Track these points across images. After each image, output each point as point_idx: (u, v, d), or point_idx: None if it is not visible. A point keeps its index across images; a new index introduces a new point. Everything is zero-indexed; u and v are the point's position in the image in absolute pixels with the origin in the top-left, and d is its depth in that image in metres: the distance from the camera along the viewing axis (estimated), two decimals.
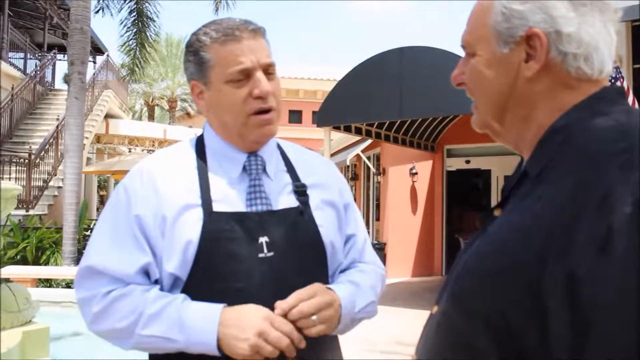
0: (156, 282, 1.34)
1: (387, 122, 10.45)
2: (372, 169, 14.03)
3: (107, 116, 18.77)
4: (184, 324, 1.23)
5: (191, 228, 1.30)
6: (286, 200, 1.40)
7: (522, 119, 0.91)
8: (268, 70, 1.37)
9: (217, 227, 1.30)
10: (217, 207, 1.33)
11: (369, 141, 12.84)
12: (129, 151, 19.45)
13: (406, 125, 11.17)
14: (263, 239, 1.32)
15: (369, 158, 14.12)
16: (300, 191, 1.42)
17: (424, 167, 12.78)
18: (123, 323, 1.27)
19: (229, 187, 1.37)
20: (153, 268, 1.32)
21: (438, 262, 12.81)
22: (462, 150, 12.52)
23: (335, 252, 1.44)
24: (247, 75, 1.33)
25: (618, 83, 6.60)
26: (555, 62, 0.86)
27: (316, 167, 1.52)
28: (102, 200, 26.04)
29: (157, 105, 32.90)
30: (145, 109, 33.30)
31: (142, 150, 19.19)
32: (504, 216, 0.89)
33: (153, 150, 20.64)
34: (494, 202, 12.33)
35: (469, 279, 0.87)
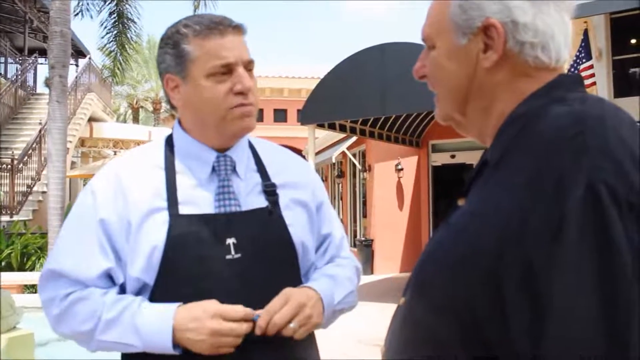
0: (121, 286, 1.33)
1: (372, 118, 10.47)
2: (358, 166, 14.05)
3: (91, 119, 18.63)
4: (139, 330, 1.25)
5: (156, 232, 1.29)
6: (255, 200, 1.39)
7: (483, 110, 0.92)
8: (248, 67, 1.36)
9: (183, 231, 1.29)
10: (183, 209, 1.32)
11: (354, 138, 12.87)
12: (114, 154, 19.30)
13: (391, 121, 11.20)
14: (230, 241, 1.31)
15: (354, 155, 14.13)
16: (270, 191, 1.40)
17: (410, 163, 12.82)
18: (83, 327, 1.29)
19: (197, 188, 1.36)
20: (116, 273, 1.32)
21: None
22: (447, 145, 12.56)
23: (306, 251, 1.43)
24: (228, 70, 1.32)
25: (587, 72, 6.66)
26: (513, 51, 0.87)
27: (287, 166, 1.50)
28: None
29: (142, 107, 32.70)
30: (129, 111, 33.09)
31: None
32: (464, 205, 0.90)
33: None
34: None
35: (429, 270, 0.88)
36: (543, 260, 0.70)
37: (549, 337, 0.69)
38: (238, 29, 1.37)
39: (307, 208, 1.47)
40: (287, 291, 1.30)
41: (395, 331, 0.94)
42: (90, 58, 20.15)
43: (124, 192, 1.33)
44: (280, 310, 1.26)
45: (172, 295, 1.27)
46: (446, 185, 12.80)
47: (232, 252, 1.31)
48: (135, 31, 11.32)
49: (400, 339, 0.92)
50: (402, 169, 12.64)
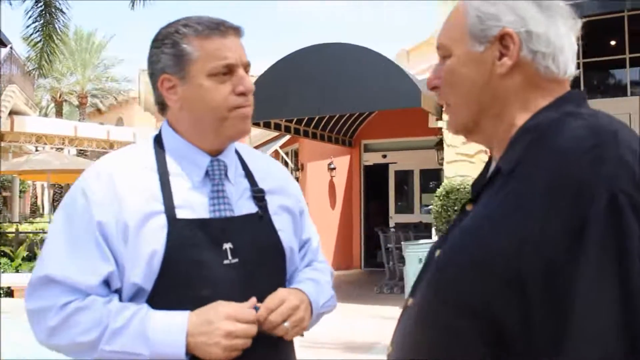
0: (116, 291, 1.29)
1: (306, 118, 10.53)
2: (291, 165, 14.08)
3: (12, 112, 17.78)
4: (149, 338, 1.21)
5: (155, 237, 1.26)
6: (246, 205, 1.40)
7: (495, 117, 0.98)
8: (246, 69, 1.37)
9: (181, 235, 1.28)
10: (180, 213, 1.30)
11: (288, 137, 12.89)
12: (36, 150, 18.53)
13: (324, 120, 11.30)
14: (227, 245, 1.32)
15: (287, 154, 14.16)
16: (259, 196, 1.41)
17: (342, 162, 12.98)
18: (85, 337, 1.23)
19: (191, 192, 1.35)
20: (115, 277, 1.27)
21: (357, 255, 13.04)
22: (379, 145, 12.81)
23: (293, 256, 1.46)
24: (230, 70, 1.32)
25: None
26: (526, 60, 0.94)
27: (273, 172, 1.52)
28: (5, 202, 24.69)
29: (66, 101, 31.45)
30: (52, 105, 31.77)
31: (52, 148, 18.29)
32: (479, 210, 0.94)
33: (63, 149, 19.73)
34: (416, 195, 12.71)
35: (450, 270, 0.92)
36: (565, 263, 0.75)
37: (569, 338, 0.73)
38: (238, 30, 1.38)
39: (292, 214, 1.49)
40: (284, 292, 1.33)
41: (407, 332, 0.98)
42: (11, 48, 19.22)
43: (118, 194, 1.29)
44: (277, 309, 1.28)
45: (171, 301, 1.25)
46: (377, 184, 13.05)
47: (229, 256, 1.31)
48: (63, 22, 10.90)
49: (415, 340, 0.95)
50: (334, 168, 12.77)
